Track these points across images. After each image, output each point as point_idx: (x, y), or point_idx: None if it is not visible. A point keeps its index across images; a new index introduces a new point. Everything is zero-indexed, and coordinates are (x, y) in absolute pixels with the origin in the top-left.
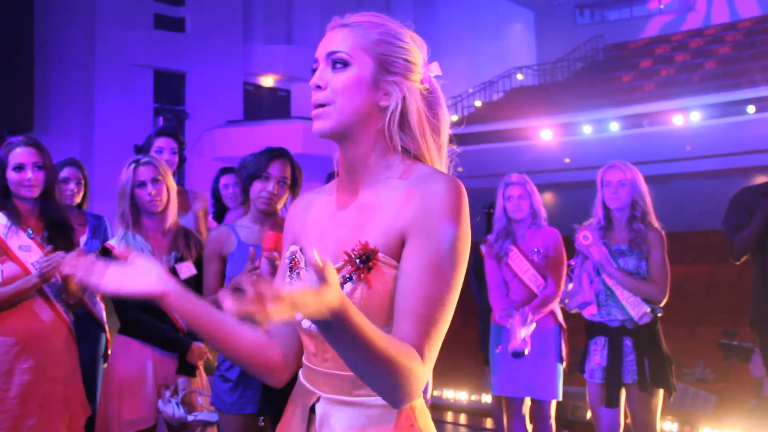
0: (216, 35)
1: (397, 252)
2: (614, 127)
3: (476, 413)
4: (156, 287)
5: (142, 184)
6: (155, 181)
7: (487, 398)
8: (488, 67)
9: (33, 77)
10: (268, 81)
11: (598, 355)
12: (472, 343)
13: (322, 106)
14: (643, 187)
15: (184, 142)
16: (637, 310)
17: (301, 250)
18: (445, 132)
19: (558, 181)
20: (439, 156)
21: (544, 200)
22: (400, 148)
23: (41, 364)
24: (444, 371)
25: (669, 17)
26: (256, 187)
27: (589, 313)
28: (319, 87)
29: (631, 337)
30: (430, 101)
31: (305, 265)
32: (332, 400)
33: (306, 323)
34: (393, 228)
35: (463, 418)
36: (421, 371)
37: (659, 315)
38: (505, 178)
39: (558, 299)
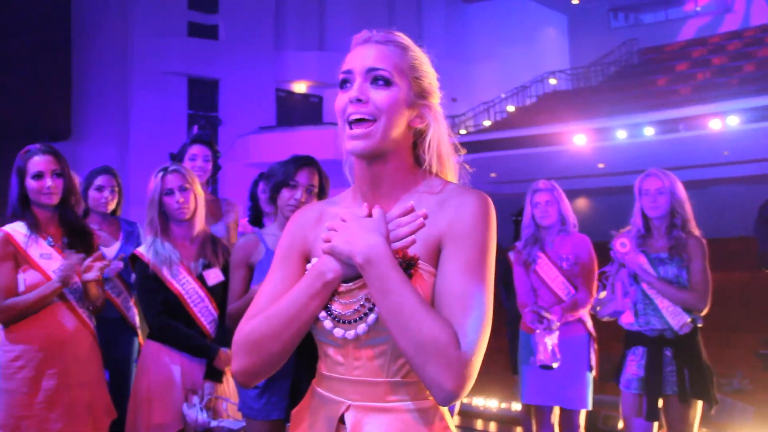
0: (249, 42)
1: (433, 259)
2: (649, 131)
3: (506, 421)
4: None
5: (170, 192)
6: (183, 189)
7: (517, 406)
8: (521, 72)
9: (71, 86)
10: (300, 87)
11: (634, 365)
12: (502, 351)
13: (363, 120)
14: (683, 194)
15: (218, 151)
16: (677, 319)
17: None
18: (453, 151)
19: (591, 187)
20: (453, 172)
21: (577, 206)
22: (426, 166)
23: (66, 370)
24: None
25: (706, 19)
26: (284, 194)
27: (626, 321)
28: (360, 100)
29: (671, 347)
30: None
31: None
32: (365, 408)
33: (339, 332)
34: (430, 236)
35: (492, 426)
36: (463, 353)
37: (699, 325)
38: (533, 184)
39: (588, 307)
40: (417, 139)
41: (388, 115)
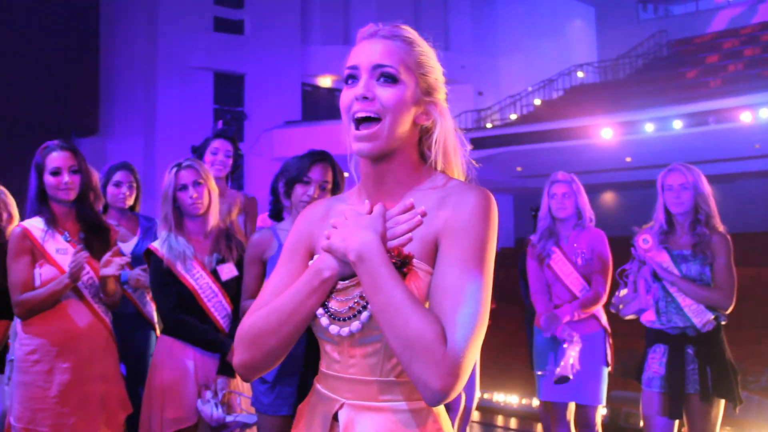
0: (274, 37)
1: (431, 258)
2: (678, 125)
3: (526, 417)
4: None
5: (184, 188)
6: (196, 184)
7: (537, 401)
8: (548, 65)
9: (98, 81)
10: (325, 81)
11: (656, 363)
12: (523, 345)
13: (370, 119)
14: (707, 190)
15: (240, 148)
16: (700, 318)
17: None
18: (460, 146)
19: (619, 181)
20: (460, 169)
21: (604, 200)
22: (431, 162)
23: (80, 364)
24: (495, 375)
25: (738, 10)
26: (298, 190)
27: (648, 319)
28: (366, 98)
29: (693, 346)
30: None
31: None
32: (357, 407)
33: (335, 329)
34: (428, 235)
35: (513, 423)
36: (450, 350)
37: (723, 323)
38: (552, 175)
39: (601, 303)
40: (422, 135)
41: (394, 113)
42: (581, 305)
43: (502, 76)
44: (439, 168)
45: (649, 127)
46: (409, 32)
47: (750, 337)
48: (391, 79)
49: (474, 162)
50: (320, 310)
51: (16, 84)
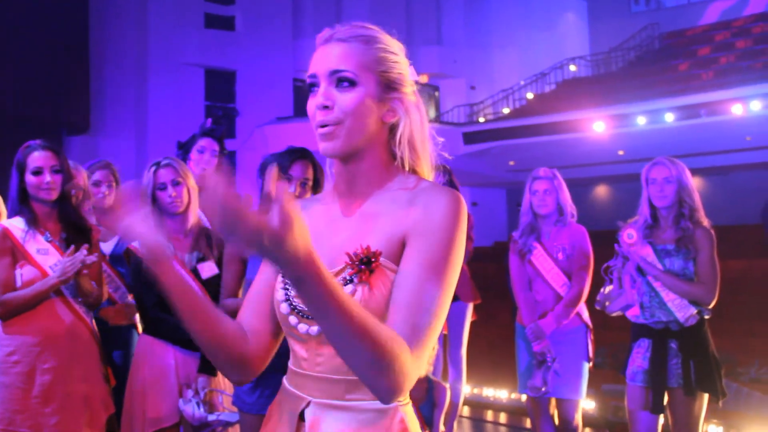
0: (266, 32)
1: (398, 257)
2: (670, 117)
3: (516, 412)
4: (165, 242)
5: (163, 187)
6: (175, 183)
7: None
8: (540, 59)
9: (89, 79)
10: None
11: (640, 357)
12: (511, 340)
13: (328, 125)
14: (691, 184)
15: (225, 149)
16: (683, 312)
17: None
18: (430, 139)
19: (611, 174)
20: (428, 163)
21: (597, 193)
22: (399, 161)
23: (62, 365)
24: (484, 369)
25: (729, 2)
26: None
27: (632, 314)
28: (326, 107)
29: (677, 340)
30: (419, 110)
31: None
32: (323, 405)
33: (303, 327)
34: (395, 234)
35: (502, 417)
36: (408, 361)
37: (707, 317)
38: (533, 171)
39: (582, 301)
40: (393, 132)
41: (354, 116)
42: (565, 307)
43: (494, 70)
44: (407, 165)
45: (642, 120)
46: (367, 30)
47: (742, 329)
48: (349, 83)
49: (446, 155)
50: (287, 308)
51: (4, 81)
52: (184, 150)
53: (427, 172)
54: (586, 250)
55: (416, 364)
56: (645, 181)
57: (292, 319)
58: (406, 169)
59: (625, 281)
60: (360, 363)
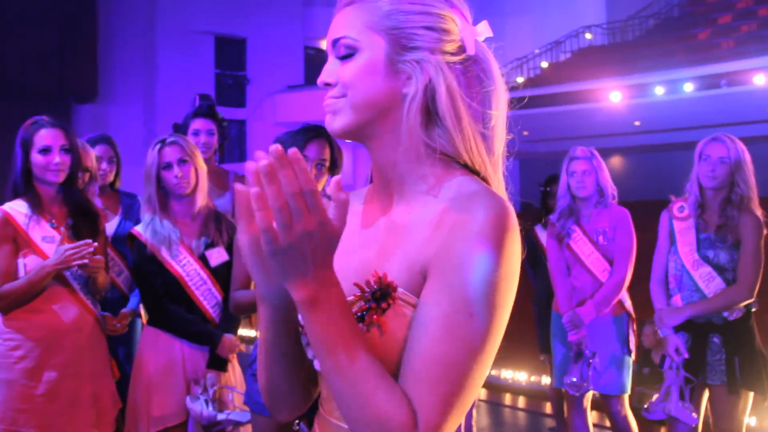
0: None
1: (419, 290)
2: (689, 87)
3: (535, 396)
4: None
5: (168, 166)
6: (182, 162)
7: (547, 380)
8: (555, 27)
9: (96, 47)
10: None
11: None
12: (533, 323)
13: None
14: (749, 168)
15: (224, 119)
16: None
17: None
18: (499, 117)
19: (627, 145)
20: (487, 152)
21: (612, 164)
22: (433, 148)
23: (69, 361)
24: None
25: None
26: None
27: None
28: (328, 84)
29: (720, 334)
30: (478, 76)
31: None
32: None
33: (317, 363)
34: (417, 261)
35: (521, 401)
36: None
37: (753, 309)
38: (570, 151)
39: (624, 288)
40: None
41: (355, 89)
42: (606, 294)
43: (508, 38)
44: (451, 154)
45: (659, 90)
46: None
47: None
48: (350, 51)
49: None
50: (305, 340)
51: (9, 49)
52: (180, 132)
53: (479, 161)
54: (629, 234)
55: None
56: (698, 156)
57: (310, 353)
58: (453, 164)
59: (673, 392)
60: (354, 425)
